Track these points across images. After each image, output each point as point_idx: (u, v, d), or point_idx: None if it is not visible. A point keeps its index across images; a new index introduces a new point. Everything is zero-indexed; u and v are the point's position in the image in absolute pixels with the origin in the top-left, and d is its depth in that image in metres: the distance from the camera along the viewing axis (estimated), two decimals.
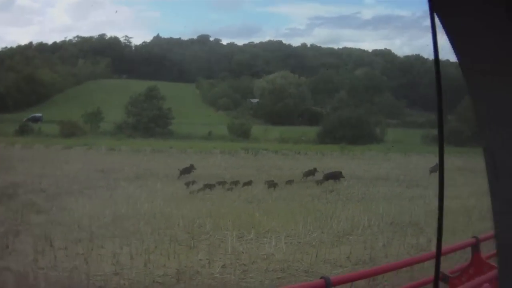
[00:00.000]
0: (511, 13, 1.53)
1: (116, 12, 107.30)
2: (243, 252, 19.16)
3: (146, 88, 66.83)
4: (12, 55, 75.56)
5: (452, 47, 1.69)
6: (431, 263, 9.50)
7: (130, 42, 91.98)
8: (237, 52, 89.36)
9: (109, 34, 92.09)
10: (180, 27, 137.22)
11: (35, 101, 71.01)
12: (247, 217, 23.27)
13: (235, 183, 33.76)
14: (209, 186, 32.58)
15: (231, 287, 15.54)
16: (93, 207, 26.10)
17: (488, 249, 10.63)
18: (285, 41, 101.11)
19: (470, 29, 1.76)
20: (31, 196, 28.41)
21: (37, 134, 59.54)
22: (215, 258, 18.31)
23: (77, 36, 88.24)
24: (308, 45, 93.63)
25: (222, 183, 33.85)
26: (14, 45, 79.76)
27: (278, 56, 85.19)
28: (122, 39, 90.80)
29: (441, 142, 1.90)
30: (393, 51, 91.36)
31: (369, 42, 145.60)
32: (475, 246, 9.85)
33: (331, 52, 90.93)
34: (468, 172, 38.38)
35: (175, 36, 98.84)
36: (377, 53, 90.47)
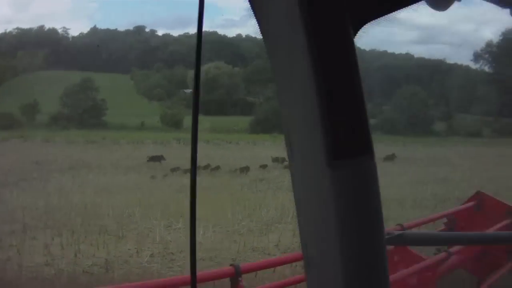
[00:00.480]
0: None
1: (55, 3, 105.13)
2: (171, 241, 19.48)
3: (81, 79, 66.41)
4: None
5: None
6: None
7: (67, 34, 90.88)
8: (172, 42, 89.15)
9: (48, 25, 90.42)
10: (117, 18, 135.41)
11: None
12: (176, 206, 23.29)
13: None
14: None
15: (158, 276, 15.37)
16: (26, 198, 26.06)
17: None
18: (221, 31, 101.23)
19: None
20: None
21: None
22: (143, 248, 18.69)
23: (17, 28, 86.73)
24: (244, 36, 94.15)
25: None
26: None
27: (212, 46, 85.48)
28: (60, 31, 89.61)
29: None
30: None
31: None
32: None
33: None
34: (401, 160, 40.05)
35: (112, 27, 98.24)
36: None
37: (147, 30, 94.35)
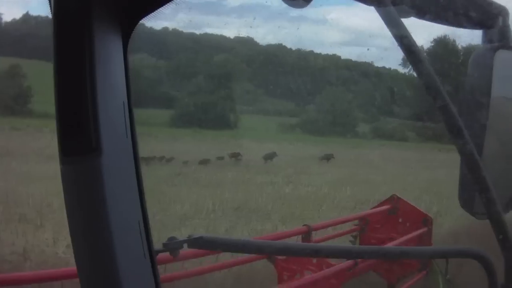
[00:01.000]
0: None
1: None
2: None
3: (8, 66, 65.47)
4: None
5: None
6: None
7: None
8: None
9: None
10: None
11: None
12: None
13: None
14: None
15: (72, 266, 15.30)
16: None
17: None
18: (147, 24, 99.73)
19: None
20: None
21: None
22: (60, 238, 17.85)
23: None
24: (170, 29, 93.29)
25: None
26: None
27: (138, 39, 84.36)
28: None
29: None
30: (255, 39, 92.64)
31: (232, 30, 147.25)
32: None
33: (192, 37, 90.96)
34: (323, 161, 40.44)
35: (43, 14, 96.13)
36: (239, 40, 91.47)
37: None
